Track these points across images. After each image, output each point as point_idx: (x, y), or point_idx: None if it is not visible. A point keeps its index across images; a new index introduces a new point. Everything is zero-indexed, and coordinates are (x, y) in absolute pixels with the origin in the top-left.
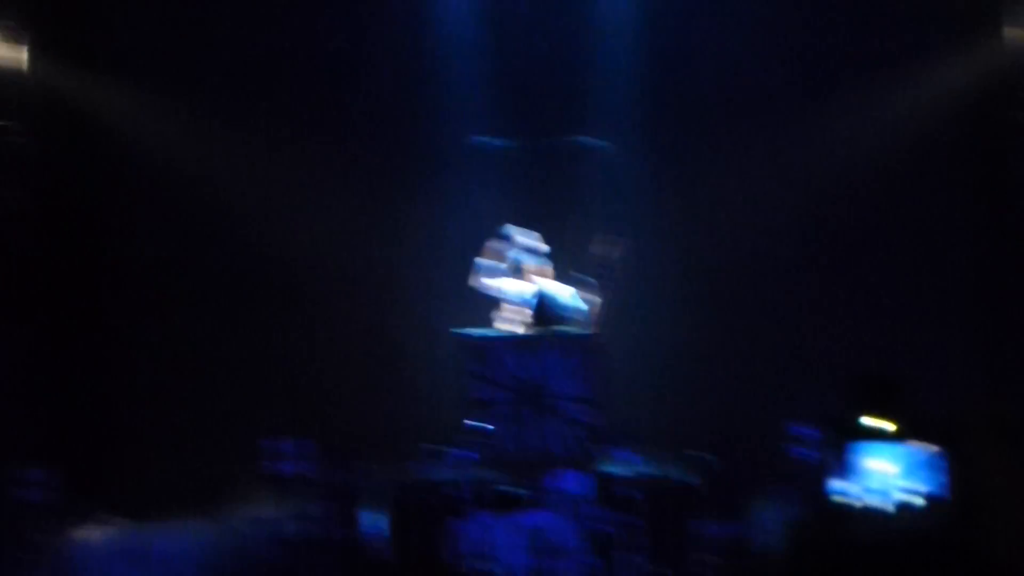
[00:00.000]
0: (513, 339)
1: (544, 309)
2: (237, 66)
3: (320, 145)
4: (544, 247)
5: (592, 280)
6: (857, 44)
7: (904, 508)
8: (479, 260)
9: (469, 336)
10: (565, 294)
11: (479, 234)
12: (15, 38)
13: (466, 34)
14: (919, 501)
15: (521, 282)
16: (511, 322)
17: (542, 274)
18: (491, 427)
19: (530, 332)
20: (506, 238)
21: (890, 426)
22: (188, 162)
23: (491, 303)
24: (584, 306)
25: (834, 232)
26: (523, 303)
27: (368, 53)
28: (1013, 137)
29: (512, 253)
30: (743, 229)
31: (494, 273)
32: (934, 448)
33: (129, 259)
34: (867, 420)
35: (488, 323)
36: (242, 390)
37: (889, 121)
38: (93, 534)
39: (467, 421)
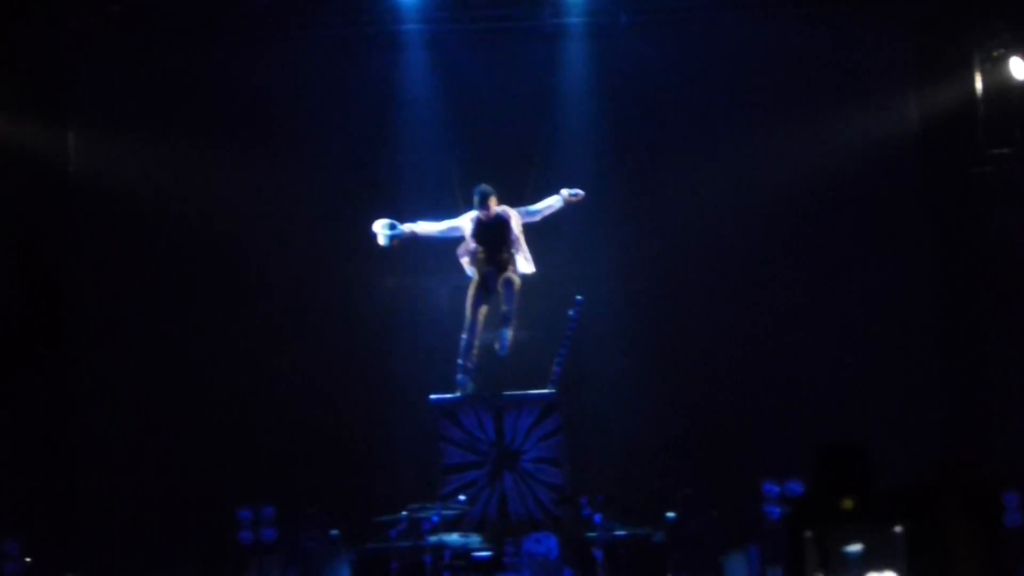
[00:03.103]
0: (484, 401)
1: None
2: (200, 111)
3: (290, 201)
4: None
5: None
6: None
7: None
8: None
9: (443, 401)
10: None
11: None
12: None
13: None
14: None
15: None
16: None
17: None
18: (462, 492)
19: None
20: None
21: (853, 503)
22: (153, 212)
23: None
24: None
25: (798, 293)
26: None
27: (330, 117)
28: (973, 189)
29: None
30: (711, 283)
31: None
32: (898, 527)
33: (92, 322)
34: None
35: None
36: (208, 455)
37: (843, 161)
38: None
39: (439, 486)
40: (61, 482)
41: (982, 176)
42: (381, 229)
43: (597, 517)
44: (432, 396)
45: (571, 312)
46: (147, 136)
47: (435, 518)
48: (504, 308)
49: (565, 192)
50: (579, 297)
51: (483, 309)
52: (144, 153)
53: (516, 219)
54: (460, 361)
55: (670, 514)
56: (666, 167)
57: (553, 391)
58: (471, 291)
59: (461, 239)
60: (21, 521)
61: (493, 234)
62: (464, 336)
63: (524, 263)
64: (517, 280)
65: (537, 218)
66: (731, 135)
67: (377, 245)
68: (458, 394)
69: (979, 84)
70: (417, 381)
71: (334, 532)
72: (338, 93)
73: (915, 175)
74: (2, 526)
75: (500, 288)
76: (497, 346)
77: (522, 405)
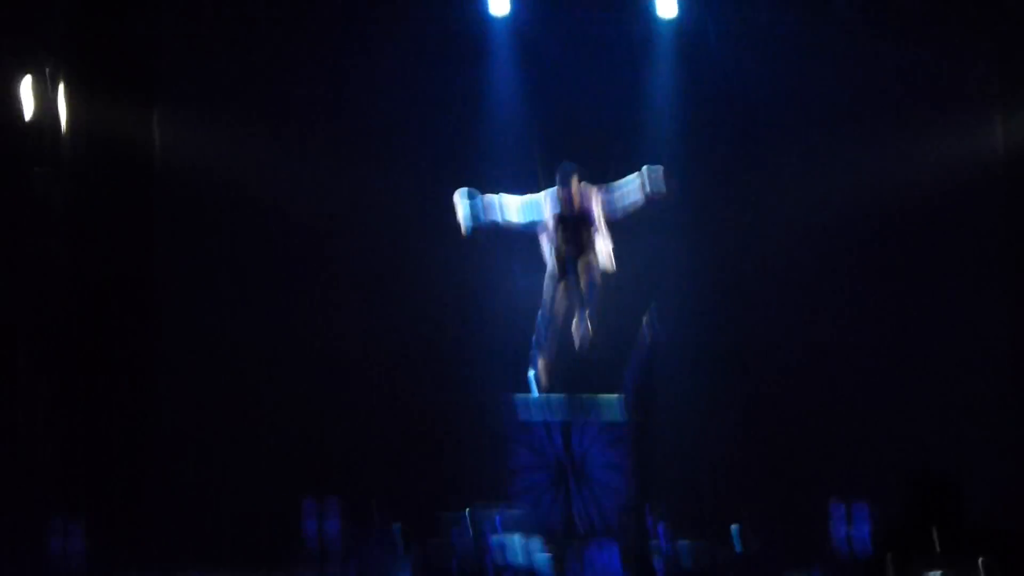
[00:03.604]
0: (557, 405)
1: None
2: (285, 91)
3: (370, 195)
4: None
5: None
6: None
7: None
8: None
9: (515, 401)
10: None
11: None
12: (48, 81)
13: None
14: None
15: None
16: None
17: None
18: (527, 494)
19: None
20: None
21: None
22: (235, 199)
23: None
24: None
25: (874, 311)
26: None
27: (414, 94)
28: None
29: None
30: (786, 297)
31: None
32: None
33: (168, 310)
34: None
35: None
36: (275, 447)
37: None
38: None
39: (503, 486)
40: (128, 467)
41: None
42: (461, 200)
43: (660, 527)
44: (503, 395)
45: (645, 319)
46: (233, 123)
47: (498, 518)
48: (584, 298)
49: (645, 170)
50: (654, 304)
51: (561, 297)
52: (229, 140)
53: (597, 199)
54: (534, 352)
55: (734, 527)
56: (749, 179)
57: (623, 396)
58: (548, 277)
59: (542, 229)
60: (87, 504)
61: (573, 213)
62: (540, 325)
63: (605, 257)
64: (598, 269)
65: (617, 206)
66: (814, 149)
67: (455, 233)
68: (531, 386)
69: None
70: (490, 375)
71: (396, 526)
72: (425, 84)
73: (998, 199)
74: (59, 504)
75: (581, 274)
76: (575, 338)
77: (591, 410)
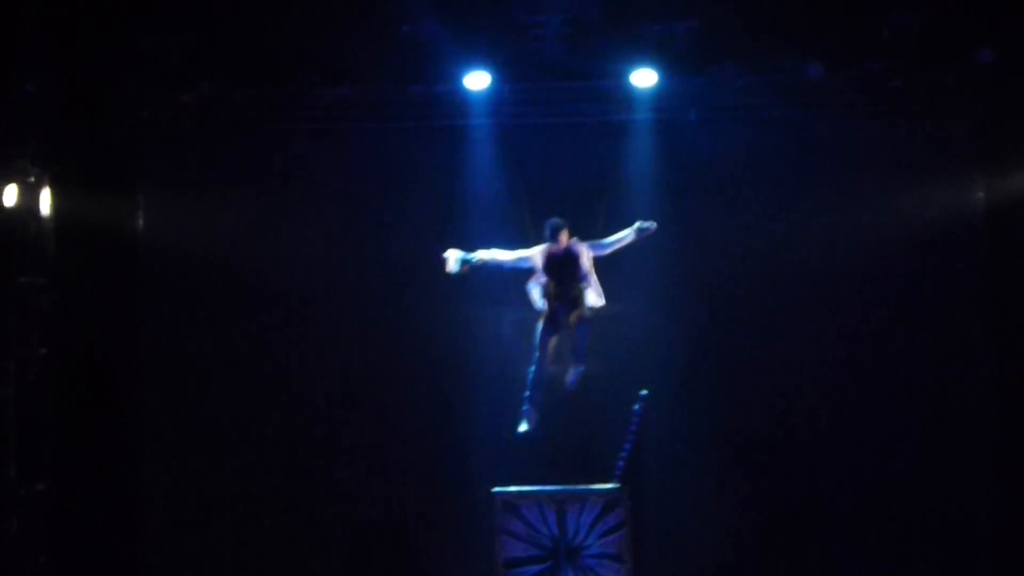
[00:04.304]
0: (548, 495)
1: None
2: (268, 186)
3: (353, 267)
4: None
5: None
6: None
7: None
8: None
9: (505, 493)
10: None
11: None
12: (33, 179)
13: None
14: None
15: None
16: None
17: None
18: None
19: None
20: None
21: None
22: (222, 276)
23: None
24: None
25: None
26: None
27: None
28: None
29: None
30: (780, 378)
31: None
32: None
33: (154, 408)
34: None
35: (523, 478)
36: (267, 547)
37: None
38: None
39: None
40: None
41: None
42: (453, 255)
43: None
44: (495, 488)
45: (636, 407)
46: (215, 207)
47: None
48: (578, 346)
49: (638, 225)
50: (644, 391)
51: (552, 344)
52: (212, 222)
53: (587, 253)
54: (527, 394)
55: None
56: (730, 251)
57: (617, 486)
58: (540, 325)
59: (531, 270)
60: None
61: (563, 268)
62: (532, 369)
63: (594, 297)
64: (590, 320)
65: (608, 251)
66: (794, 219)
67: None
68: (522, 421)
69: None
70: (477, 467)
71: None
72: (406, 175)
73: (979, 260)
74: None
75: (573, 326)
76: (567, 381)
77: (585, 499)
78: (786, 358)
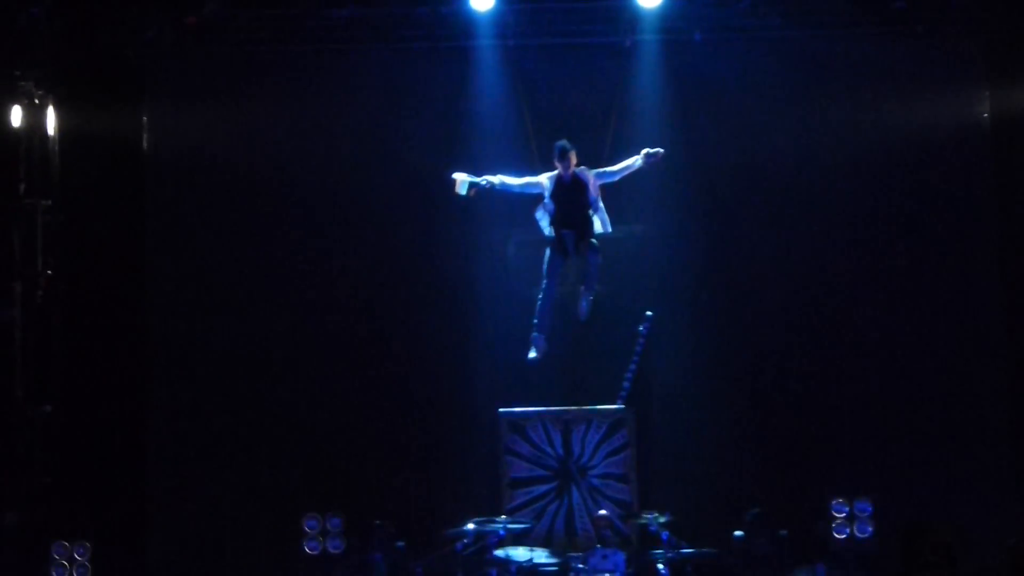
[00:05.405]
0: (553, 416)
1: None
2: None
3: (365, 195)
4: None
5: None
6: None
7: None
8: None
9: (512, 414)
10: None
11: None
12: (37, 100)
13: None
14: None
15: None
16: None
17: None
18: (529, 507)
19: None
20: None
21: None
22: (227, 193)
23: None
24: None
25: (869, 311)
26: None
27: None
28: None
29: None
30: (782, 300)
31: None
32: None
33: (161, 320)
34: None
35: (529, 399)
36: (276, 464)
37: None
38: None
39: (505, 500)
40: (128, 487)
41: None
42: (460, 177)
43: (664, 534)
44: (501, 409)
45: (641, 328)
46: (220, 124)
47: (501, 532)
48: (587, 274)
49: (645, 152)
50: (649, 312)
51: (560, 270)
52: (218, 139)
53: (594, 181)
54: (536, 320)
55: (737, 532)
56: (737, 172)
57: (622, 406)
58: (548, 252)
59: (539, 196)
60: (89, 526)
61: (571, 195)
62: (540, 296)
63: (600, 224)
64: (599, 246)
65: (616, 178)
66: (801, 138)
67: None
68: (532, 347)
69: None
70: (487, 388)
71: (400, 544)
72: (411, 96)
73: (984, 173)
74: (71, 530)
75: (582, 253)
76: (579, 310)
77: (591, 420)
78: (791, 277)
